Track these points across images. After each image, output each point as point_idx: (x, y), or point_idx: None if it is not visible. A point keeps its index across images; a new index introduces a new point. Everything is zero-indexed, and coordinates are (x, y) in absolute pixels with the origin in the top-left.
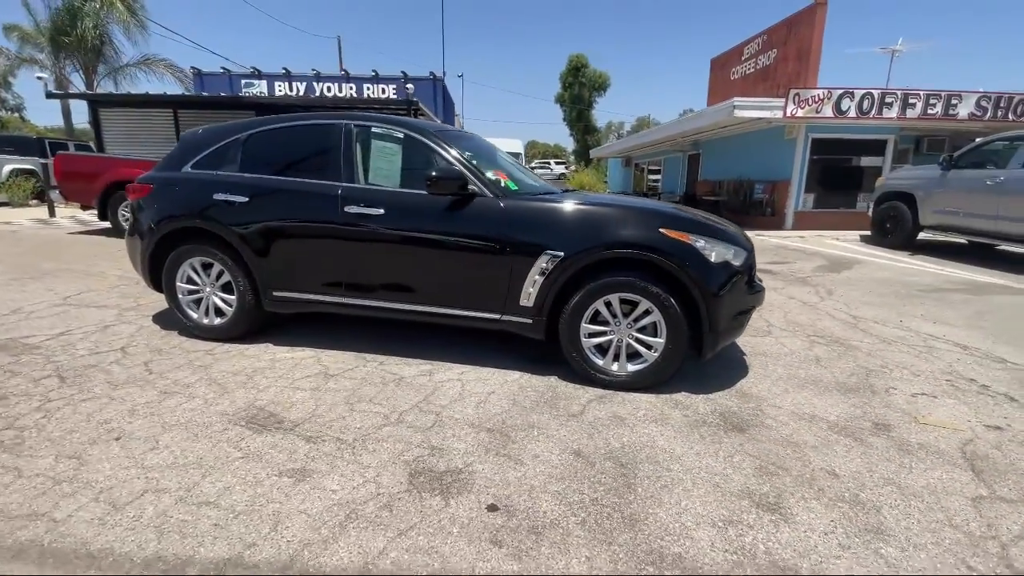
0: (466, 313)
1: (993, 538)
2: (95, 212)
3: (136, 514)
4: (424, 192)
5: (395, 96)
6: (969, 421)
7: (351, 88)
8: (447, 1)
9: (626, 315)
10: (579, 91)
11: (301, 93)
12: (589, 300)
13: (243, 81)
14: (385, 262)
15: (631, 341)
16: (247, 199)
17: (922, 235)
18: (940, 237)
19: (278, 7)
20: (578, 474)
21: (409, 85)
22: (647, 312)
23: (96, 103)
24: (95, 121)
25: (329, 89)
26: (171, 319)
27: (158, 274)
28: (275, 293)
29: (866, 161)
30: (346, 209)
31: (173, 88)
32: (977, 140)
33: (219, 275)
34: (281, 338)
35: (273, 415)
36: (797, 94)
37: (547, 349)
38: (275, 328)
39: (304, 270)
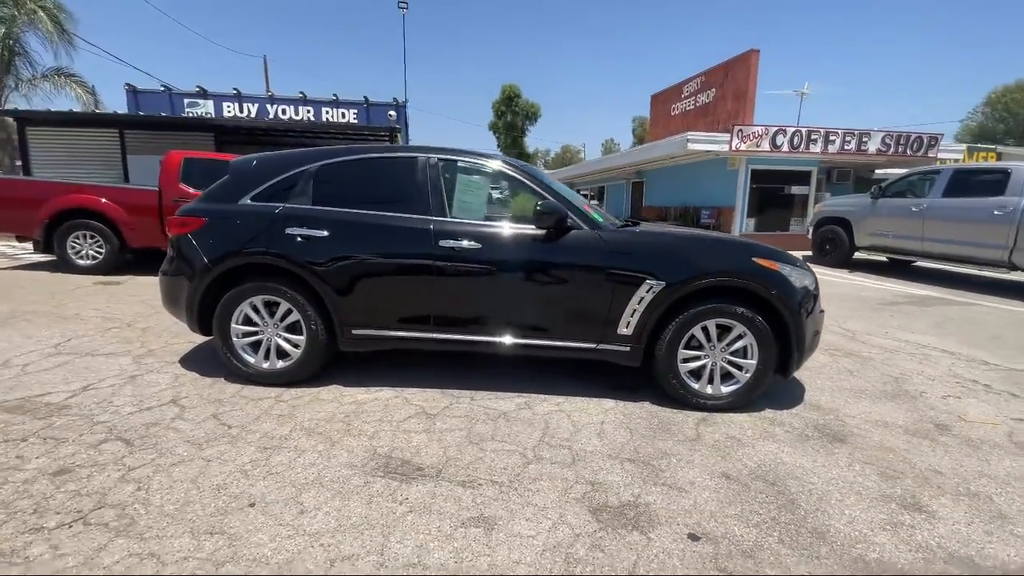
0: (562, 344)
1: None
2: (32, 244)
3: None
4: (519, 225)
5: (355, 119)
6: (998, 416)
7: (308, 111)
8: (378, 24)
9: (720, 339)
10: (512, 119)
11: (253, 115)
12: (689, 326)
13: (186, 100)
14: (480, 296)
15: (724, 364)
16: (326, 233)
17: (856, 254)
18: (867, 256)
19: (201, 23)
20: (741, 496)
21: (392, 112)
22: (740, 336)
23: (24, 121)
24: (22, 141)
25: (284, 112)
26: (207, 364)
27: (208, 316)
28: (355, 331)
29: (796, 189)
30: (441, 243)
31: (76, 106)
32: (901, 172)
33: (285, 314)
34: (347, 379)
35: (406, 462)
36: (740, 130)
37: (626, 375)
38: (333, 369)
39: (391, 306)
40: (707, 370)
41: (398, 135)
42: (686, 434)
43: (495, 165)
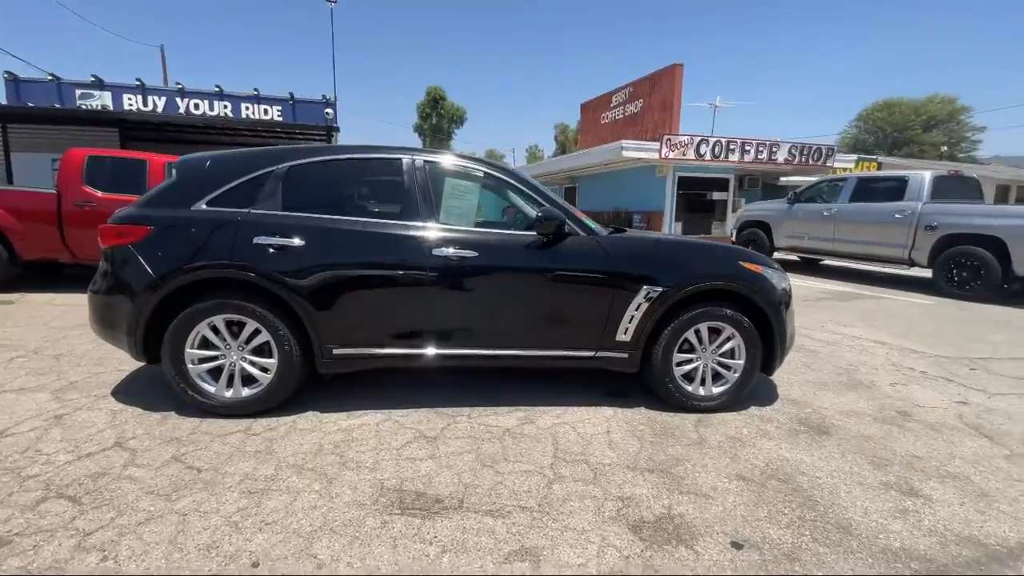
0: (561, 353)
1: None
2: None
3: None
4: (514, 232)
5: (280, 117)
6: (942, 400)
7: (225, 107)
8: (297, 19)
9: (711, 342)
10: (439, 122)
11: (160, 109)
12: (683, 329)
13: (78, 92)
14: (478, 307)
15: (715, 365)
16: (303, 243)
17: (775, 255)
18: (784, 256)
19: (92, 10)
20: (762, 497)
21: (329, 110)
22: (729, 337)
23: None
24: None
25: (197, 106)
26: (149, 396)
27: (155, 340)
28: (337, 351)
29: (716, 195)
30: (435, 252)
31: None
32: (804, 179)
33: (252, 335)
34: (322, 404)
35: (421, 494)
36: (668, 139)
37: (615, 381)
38: (304, 395)
39: (379, 322)
40: (699, 372)
41: (335, 135)
42: (690, 438)
43: (485, 169)
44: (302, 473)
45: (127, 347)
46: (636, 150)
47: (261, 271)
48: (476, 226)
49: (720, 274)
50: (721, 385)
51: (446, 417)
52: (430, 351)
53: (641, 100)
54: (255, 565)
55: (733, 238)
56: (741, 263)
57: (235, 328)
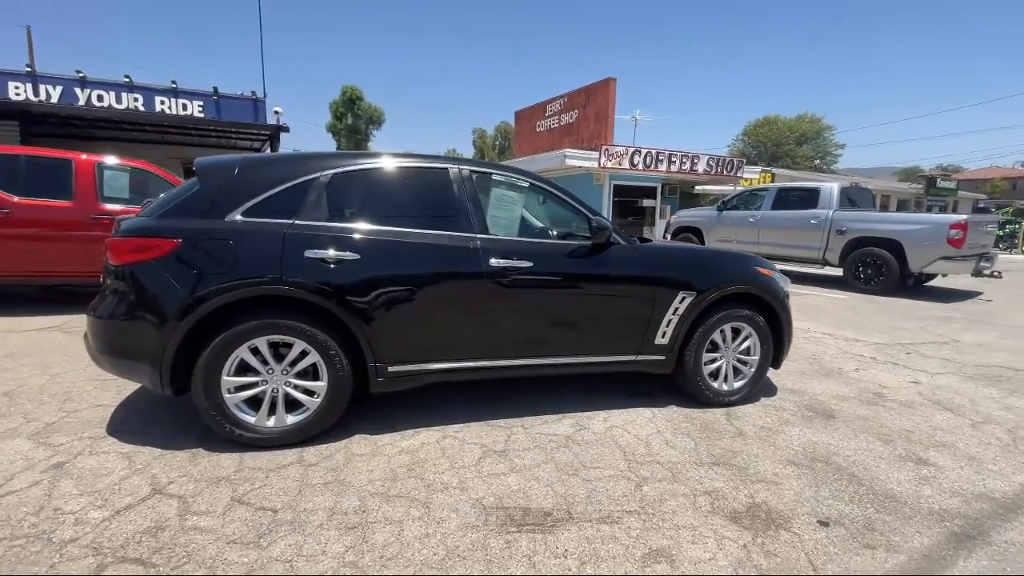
0: (605, 359)
1: (1012, 443)
2: None
3: None
4: (564, 241)
5: (201, 113)
6: (900, 381)
7: (136, 99)
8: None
9: (732, 340)
10: (355, 122)
11: (55, 99)
12: (712, 330)
13: None
14: (532, 316)
15: (734, 362)
16: (358, 256)
17: None
18: None
19: None
20: (817, 479)
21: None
22: (747, 336)
23: None
24: None
25: (101, 98)
26: (160, 432)
27: (185, 369)
28: (392, 368)
29: (646, 202)
30: (492, 262)
31: None
32: (717, 188)
33: (298, 358)
34: (365, 425)
35: (526, 509)
36: (606, 149)
37: (635, 382)
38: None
39: (435, 336)
40: (723, 370)
41: (278, 136)
42: (729, 431)
43: (530, 180)
44: (391, 501)
45: (147, 378)
46: (578, 159)
47: (314, 287)
48: (528, 236)
49: (741, 278)
50: (740, 380)
51: (502, 429)
52: (485, 363)
53: (577, 111)
54: None
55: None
56: (756, 268)
57: (280, 350)
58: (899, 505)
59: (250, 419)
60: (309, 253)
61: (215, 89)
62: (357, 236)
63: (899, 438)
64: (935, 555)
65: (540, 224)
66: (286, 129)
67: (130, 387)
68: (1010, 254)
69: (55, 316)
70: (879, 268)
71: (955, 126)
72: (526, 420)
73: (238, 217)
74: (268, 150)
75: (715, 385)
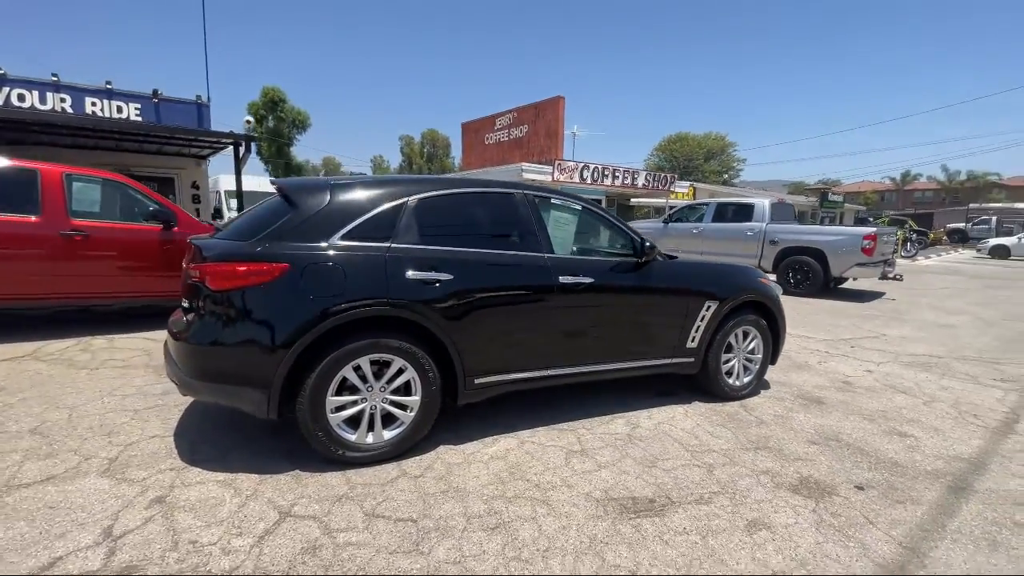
0: (649, 363)
1: (966, 413)
2: None
3: None
4: (615, 258)
5: (138, 116)
6: (858, 370)
7: (63, 100)
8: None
9: (743, 342)
10: (278, 126)
11: None
12: (729, 334)
13: None
14: (591, 327)
15: (744, 361)
16: (452, 276)
17: None
18: None
19: None
20: (837, 453)
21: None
22: (754, 337)
23: None
24: None
25: (23, 97)
26: (239, 458)
27: (292, 392)
28: (478, 380)
29: None
30: (561, 279)
31: None
32: (679, 204)
33: (396, 374)
34: (443, 437)
35: (634, 498)
36: (559, 163)
37: (658, 383)
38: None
39: (514, 348)
40: (735, 368)
41: (249, 147)
42: (752, 420)
43: (582, 204)
44: (514, 502)
45: (252, 403)
46: (534, 172)
47: (416, 307)
48: (583, 254)
49: (751, 288)
50: (748, 376)
51: (568, 432)
52: (553, 372)
53: (526, 125)
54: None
55: None
56: (759, 278)
57: (380, 368)
58: (903, 469)
59: (351, 437)
60: (410, 274)
61: (155, 91)
62: (449, 257)
63: (879, 417)
64: (944, 503)
65: (585, 243)
66: (255, 139)
67: (171, 416)
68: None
69: (21, 343)
70: (806, 273)
71: (836, 147)
72: (583, 423)
73: (339, 241)
74: (234, 160)
75: (730, 381)
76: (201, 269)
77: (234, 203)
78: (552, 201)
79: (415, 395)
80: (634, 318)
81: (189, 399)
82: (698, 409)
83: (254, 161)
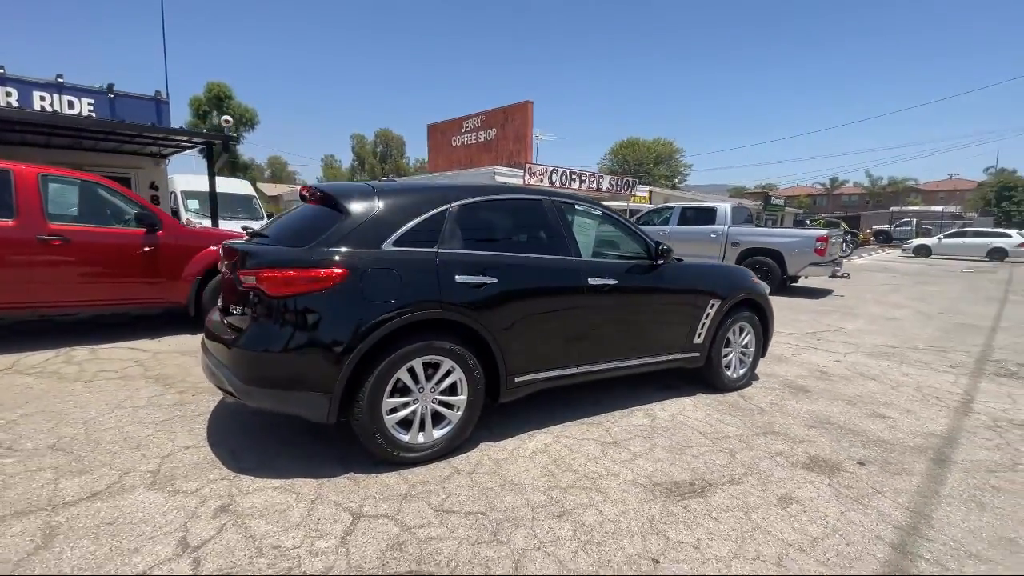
0: (662, 358)
1: (929, 396)
2: None
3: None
4: (632, 260)
5: (92, 112)
6: (828, 361)
7: (8, 94)
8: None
9: (738, 337)
10: (223, 123)
11: None
12: (728, 330)
13: None
14: (614, 326)
15: (739, 355)
16: (495, 280)
17: None
18: None
19: None
20: (834, 434)
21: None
22: (748, 333)
23: None
24: None
25: None
26: (285, 464)
27: (352, 394)
28: (517, 379)
29: None
30: (590, 281)
31: None
32: (647, 207)
33: (444, 375)
34: (480, 435)
35: (676, 482)
36: (530, 167)
37: (663, 378)
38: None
39: (548, 347)
40: (733, 361)
41: (228, 148)
42: (752, 408)
43: (601, 210)
44: (570, 492)
45: (312, 408)
46: (506, 176)
47: (465, 309)
48: (605, 257)
49: (747, 287)
50: (743, 368)
51: (596, 426)
52: (581, 369)
53: (495, 129)
54: (656, 561)
55: None
56: (751, 278)
57: (431, 370)
58: (892, 446)
59: (404, 438)
60: (459, 278)
61: (110, 86)
62: (492, 261)
63: (858, 402)
64: (933, 473)
65: (604, 246)
66: (236, 139)
67: (196, 427)
68: None
69: None
70: (765, 273)
71: (773, 155)
72: (606, 416)
73: (391, 246)
74: (208, 161)
75: (729, 374)
76: (257, 275)
77: (192, 204)
78: (576, 207)
79: (462, 395)
80: (651, 316)
81: (205, 409)
82: (704, 400)
83: (198, 160)
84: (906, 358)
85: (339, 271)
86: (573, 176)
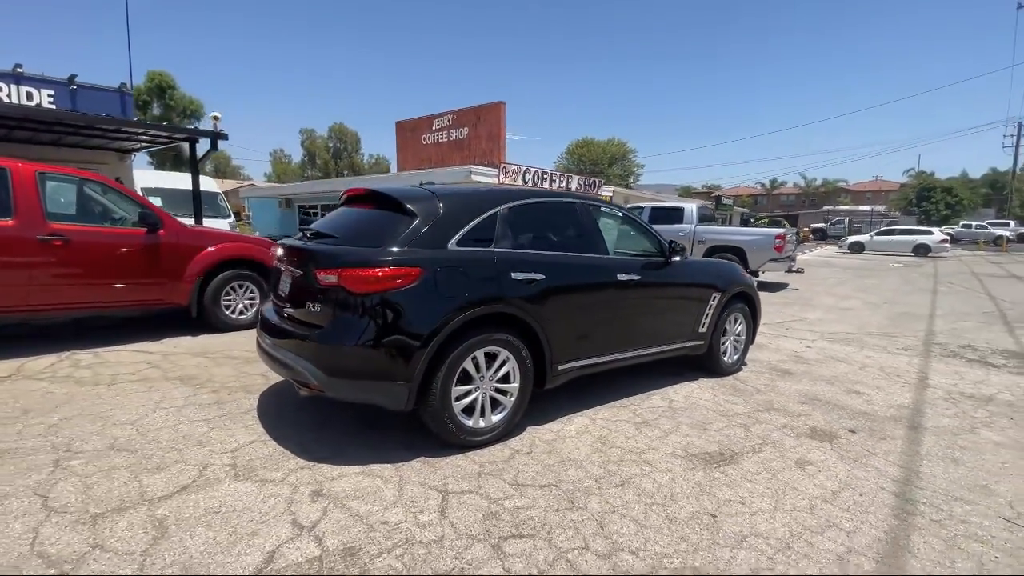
0: (673, 347)
1: (892, 375)
2: None
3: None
4: (648, 257)
5: (52, 104)
6: (800, 347)
7: None
8: None
9: (733, 326)
10: (166, 114)
11: None
12: (726, 320)
13: None
14: (637, 317)
15: (733, 342)
16: (543, 276)
17: None
18: None
19: None
20: (824, 408)
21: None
22: (740, 322)
23: None
24: None
25: None
26: (354, 453)
27: (427, 385)
28: (560, 367)
29: None
30: (619, 276)
31: None
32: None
33: (501, 364)
34: (522, 421)
35: (709, 453)
36: (505, 166)
37: (665, 365)
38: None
39: (584, 337)
40: (728, 348)
41: (215, 145)
42: (749, 389)
43: (622, 212)
44: (622, 464)
45: (392, 397)
46: (481, 175)
47: (519, 304)
48: (623, 253)
49: (740, 281)
50: (737, 354)
51: (622, 409)
52: (611, 357)
53: (467, 128)
54: (714, 516)
55: None
56: (742, 272)
57: (490, 360)
58: (872, 417)
59: (468, 423)
60: (515, 275)
61: (71, 77)
62: (540, 259)
63: (835, 381)
64: (911, 437)
65: (625, 244)
66: (225, 137)
67: (250, 423)
68: None
69: None
70: None
71: (718, 157)
72: (628, 400)
73: (455, 246)
74: (191, 159)
75: (725, 360)
76: (341, 274)
77: (155, 202)
78: (601, 208)
79: (514, 382)
80: (666, 308)
81: (248, 407)
82: (707, 384)
83: (143, 156)
84: (865, 343)
85: (416, 270)
86: (544, 176)
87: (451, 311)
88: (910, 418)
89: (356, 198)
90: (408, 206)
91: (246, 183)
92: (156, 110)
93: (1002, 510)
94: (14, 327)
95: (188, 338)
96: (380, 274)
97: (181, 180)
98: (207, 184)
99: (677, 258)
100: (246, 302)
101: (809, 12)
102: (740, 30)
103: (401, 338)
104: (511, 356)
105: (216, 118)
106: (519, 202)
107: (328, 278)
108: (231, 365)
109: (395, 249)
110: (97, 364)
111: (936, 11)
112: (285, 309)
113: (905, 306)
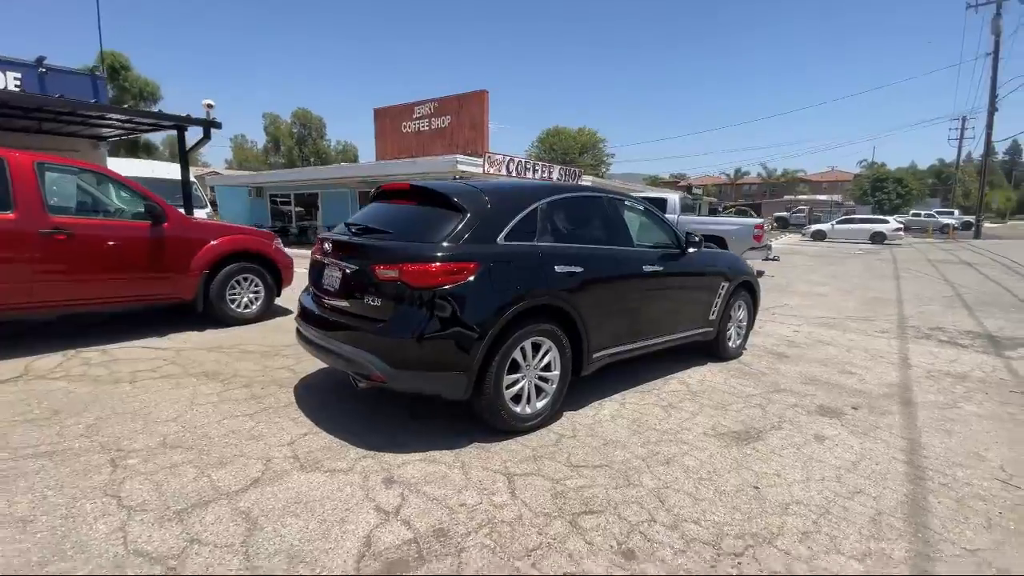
0: (688, 333)
1: (876, 356)
2: None
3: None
4: (667, 249)
5: (18, 87)
6: (789, 331)
7: None
8: None
9: (736, 312)
10: (121, 96)
11: None
12: (732, 307)
13: None
14: (660, 307)
15: (737, 329)
16: (582, 269)
17: None
18: None
19: None
20: (824, 388)
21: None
22: (742, 308)
23: None
24: None
25: None
26: (410, 440)
27: (483, 374)
28: (595, 355)
29: None
30: (644, 268)
31: None
32: None
33: (544, 353)
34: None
35: (736, 432)
36: (490, 156)
37: (673, 353)
38: None
39: (617, 326)
40: (732, 334)
41: (209, 134)
42: (754, 372)
43: (644, 205)
44: (661, 444)
45: (452, 386)
46: (467, 164)
47: (562, 295)
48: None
49: (744, 270)
50: (739, 339)
51: (648, 394)
52: (636, 344)
53: (449, 116)
54: (756, 487)
55: None
56: (744, 262)
57: (534, 349)
58: (868, 394)
59: (516, 409)
60: (557, 268)
61: (39, 59)
62: (578, 252)
63: (829, 363)
64: (906, 412)
65: (645, 237)
66: (218, 125)
67: (295, 416)
68: None
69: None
70: None
71: (684, 148)
72: (649, 385)
73: (503, 241)
74: (180, 148)
75: (730, 345)
76: (401, 269)
77: None
78: (624, 202)
79: (555, 370)
80: (684, 297)
81: (287, 401)
82: (716, 368)
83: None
84: (846, 327)
85: (473, 264)
86: (527, 165)
87: (505, 303)
88: (901, 395)
89: (395, 193)
90: (459, 203)
91: (207, 170)
92: (110, 92)
93: (996, 473)
94: (12, 325)
95: (195, 333)
96: (441, 269)
97: (150, 168)
98: (172, 171)
99: (693, 249)
100: (251, 295)
101: (774, 7)
102: (715, 24)
103: (462, 330)
104: (553, 345)
105: (209, 106)
106: (556, 197)
107: (388, 273)
108: (251, 359)
109: (452, 244)
110: (109, 362)
111: (892, 13)
112: (334, 302)
113: (874, 292)
